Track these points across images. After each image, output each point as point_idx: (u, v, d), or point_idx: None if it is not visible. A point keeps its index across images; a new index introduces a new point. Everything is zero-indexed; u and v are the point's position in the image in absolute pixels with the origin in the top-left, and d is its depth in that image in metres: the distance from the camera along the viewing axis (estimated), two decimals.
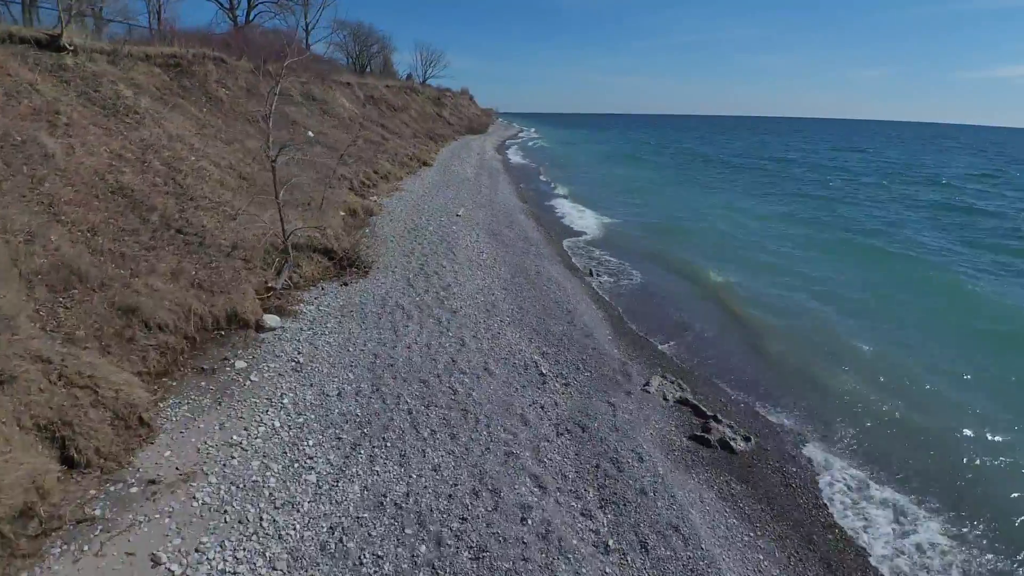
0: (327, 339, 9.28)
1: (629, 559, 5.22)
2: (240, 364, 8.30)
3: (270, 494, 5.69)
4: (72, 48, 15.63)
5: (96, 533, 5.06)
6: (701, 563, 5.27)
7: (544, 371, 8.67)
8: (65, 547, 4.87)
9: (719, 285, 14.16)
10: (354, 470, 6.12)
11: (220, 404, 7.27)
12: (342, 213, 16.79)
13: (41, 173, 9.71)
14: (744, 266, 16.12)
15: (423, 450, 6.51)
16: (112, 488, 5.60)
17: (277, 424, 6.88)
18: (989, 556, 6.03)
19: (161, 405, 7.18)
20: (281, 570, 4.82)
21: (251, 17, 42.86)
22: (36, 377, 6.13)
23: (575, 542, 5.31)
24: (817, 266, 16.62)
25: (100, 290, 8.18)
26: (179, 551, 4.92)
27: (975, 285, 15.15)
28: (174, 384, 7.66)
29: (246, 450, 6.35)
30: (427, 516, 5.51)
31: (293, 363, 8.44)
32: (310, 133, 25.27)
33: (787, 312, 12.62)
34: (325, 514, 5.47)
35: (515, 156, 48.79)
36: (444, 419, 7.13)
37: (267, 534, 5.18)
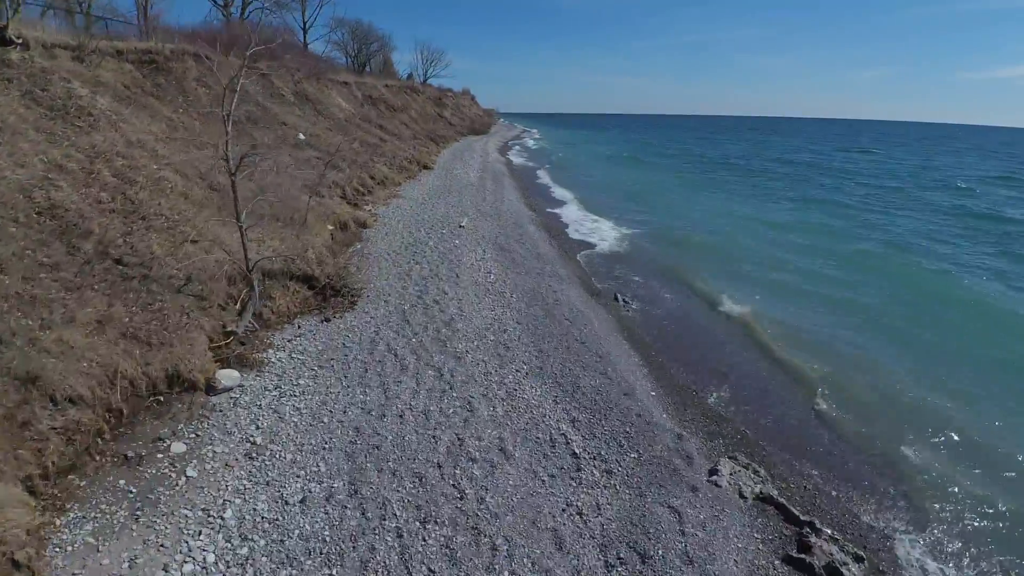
0: (297, 403, 7.15)
1: None
2: (177, 448, 6.18)
3: None
4: (20, 41, 13.49)
5: None
6: None
7: (577, 450, 6.55)
8: None
9: (749, 315, 11.88)
10: None
11: (138, 520, 5.15)
12: (330, 227, 14.65)
13: None
14: (771, 289, 13.88)
15: None
16: None
17: (211, 559, 4.76)
18: None
19: (57, 524, 5.08)
20: None
21: (246, 15, 40.78)
22: None
23: None
24: (849, 287, 14.43)
25: None
26: None
27: None
28: (82, 485, 5.55)
29: None
30: None
31: (248, 444, 6.32)
32: (301, 135, 23.12)
33: (831, 353, 10.35)
34: None
35: (519, 158, 46.63)
36: (447, 546, 5.00)
37: None
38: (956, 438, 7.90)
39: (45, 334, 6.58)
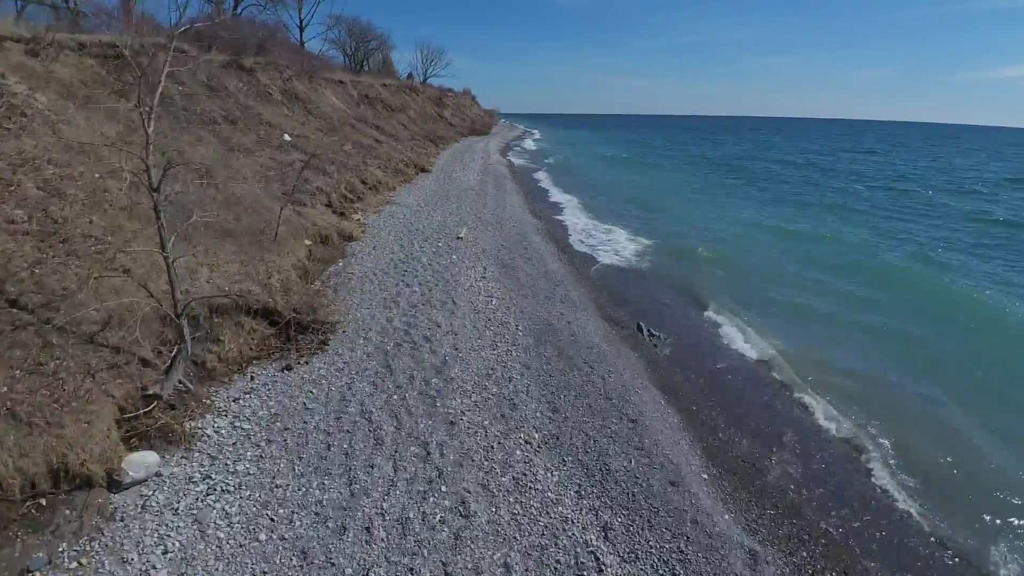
0: (228, 505, 5.17)
1: None
2: None
3: None
4: None
5: None
6: None
7: None
8: None
9: (785, 353, 9.61)
10: None
11: None
12: (308, 242, 12.67)
13: None
14: (801, 317, 11.67)
15: None
16: None
17: None
18: None
19: None
20: None
21: (239, 11, 38.79)
22: None
23: None
24: (883, 311, 12.24)
25: None
26: None
27: None
28: None
29: None
30: None
31: None
32: (286, 136, 21.13)
33: (886, 405, 8.20)
34: None
35: (520, 159, 44.61)
36: None
37: None
38: None
39: None
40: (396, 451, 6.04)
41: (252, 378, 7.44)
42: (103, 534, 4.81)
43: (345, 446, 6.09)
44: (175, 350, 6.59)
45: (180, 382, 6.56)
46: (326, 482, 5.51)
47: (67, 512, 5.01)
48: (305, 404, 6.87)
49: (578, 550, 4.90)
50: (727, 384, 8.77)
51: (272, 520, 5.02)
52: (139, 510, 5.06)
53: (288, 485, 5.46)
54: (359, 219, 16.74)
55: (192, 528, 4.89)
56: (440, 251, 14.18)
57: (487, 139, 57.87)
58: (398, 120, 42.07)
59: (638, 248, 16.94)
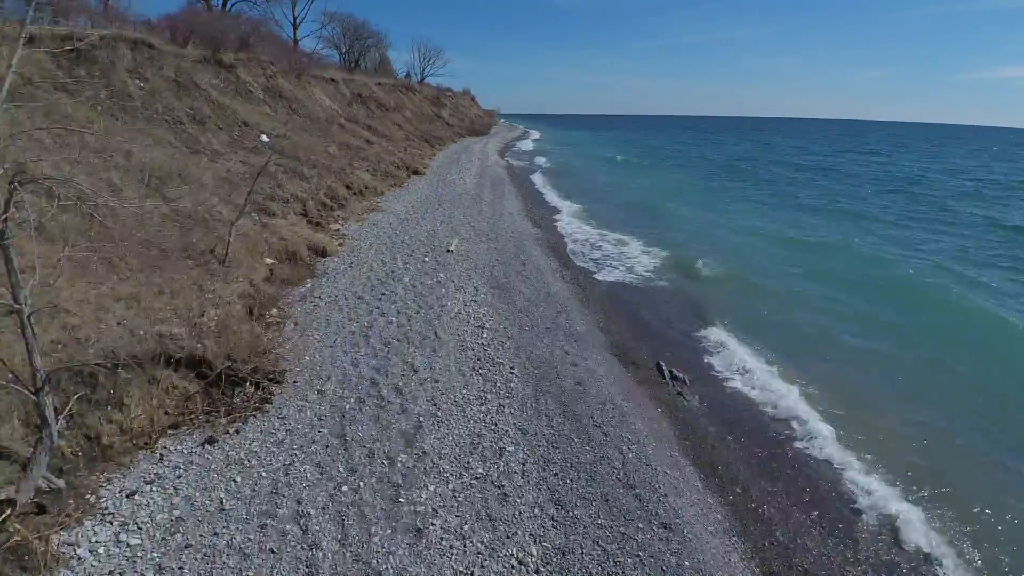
0: None
1: None
2: None
3: None
4: None
5: None
6: None
7: None
8: None
9: (823, 405, 7.79)
10: None
11: None
12: (269, 261, 10.82)
13: None
14: (828, 351, 9.68)
15: None
16: None
17: None
18: None
19: None
20: None
21: (228, 7, 36.95)
22: None
23: None
24: (924, 347, 10.11)
25: None
26: None
27: None
28: None
29: None
30: None
31: None
32: (264, 137, 19.28)
33: (962, 497, 6.40)
34: None
35: (520, 161, 42.74)
36: None
37: None
38: None
39: None
40: None
41: (161, 457, 5.60)
42: None
43: None
44: (37, 441, 4.73)
45: (45, 478, 4.72)
46: None
47: None
48: (222, 502, 5.02)
49: None
50: (771, 451, 6.91)
51: None
52: None
53: None
54: (338, 229, 14.89)
55: None
56: (426, 268, 12.34)
57: (486, 139, 56.03)
58: (392, 120, 40.24)
59: (645, 262, 14.98)
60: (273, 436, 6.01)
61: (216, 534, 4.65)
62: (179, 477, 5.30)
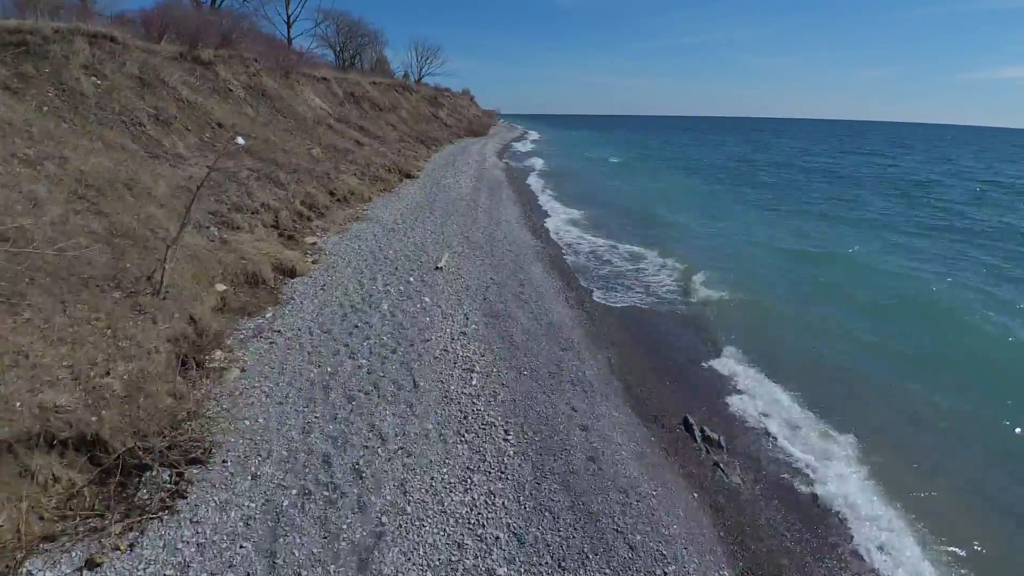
0: None
1: None
2: None
3: None
4: None
5: None
6: None
7: None
8: None
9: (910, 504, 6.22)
10: None
11: None
12: (220, 288, 9.13)
13: None
14: (874, 400, 8.01)
15: None
16: None
17: None
18: None
19: None
20: None
21: (217, 4, 35.28)
22: None
23: None
24: (970, 396, 8.23)
25: None
26: None
27: None
28: None
29: None
30: None
31: None
32: (239, 139, 17.61)
33: None
34: None
35: (518, 162, 41.06)
36: None
37: None
38: None
39: None
40: None
41: None
42: None
43: None
44: None
45: None
46: None
47: None
48: None
49: None
50: (837, 548, 5.25)
51: None
52: None
53: None
54: (315, 243, 13.22)
55: None
56: (410, 290, 10.67)
57: (484, 140, 54.39)
58: (386, 120, 38.60)
59: (659, 281, 13.22)
60: (178, 555, 4.34)
61: None
62: None
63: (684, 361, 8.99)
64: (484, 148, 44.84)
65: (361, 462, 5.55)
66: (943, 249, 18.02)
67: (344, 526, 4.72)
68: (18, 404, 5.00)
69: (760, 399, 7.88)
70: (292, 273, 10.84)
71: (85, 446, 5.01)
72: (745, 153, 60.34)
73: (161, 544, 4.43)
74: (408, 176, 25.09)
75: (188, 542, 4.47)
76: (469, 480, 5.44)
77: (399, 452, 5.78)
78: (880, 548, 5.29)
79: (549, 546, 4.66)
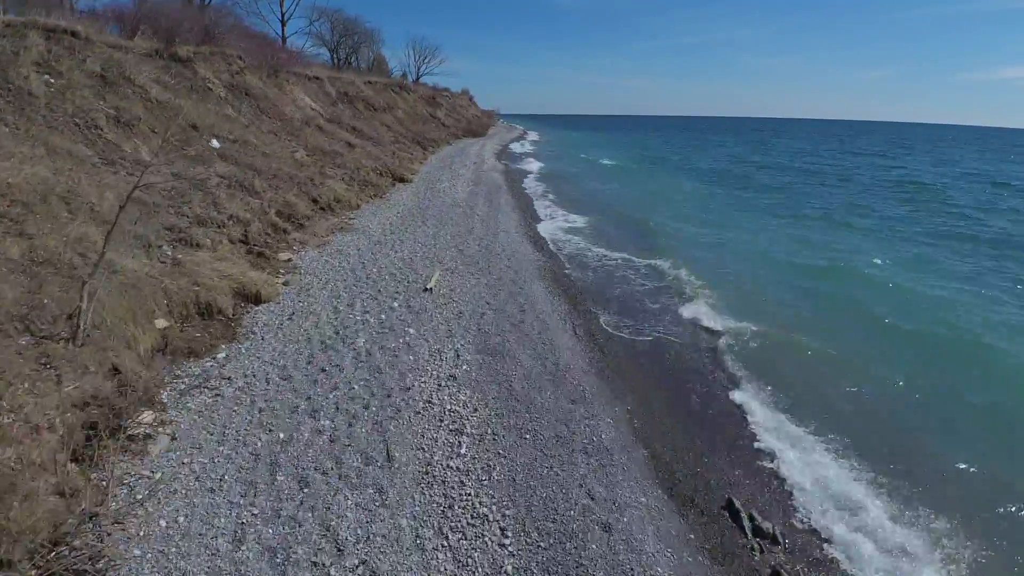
0: None
1: None
2: None
3: None
4: None
5: None
6: None
7: None
8: None
9: None
10: None
11: None
12: (161, 324, 7.61)
13: None
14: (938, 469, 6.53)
15: None
16: None
17: None
18: None
19: None
20: None
21: (207, 1, 33.74)
22: None
23: None
24: None
25: None
26: None
27: None
28: None
29: None
30: None
31: None
32: (214, 142, 16.10)
33: None
34: None
35: (518, 165, 39.53)
36: None
37: None
38: None
39: None
40: None
41: None
42: None
43: None
44: None
45: None
46: None
47: None
48: None
49: None
50: None
51: None
52: None
53: None
54: (289, 259, 11.70)
55: None
56: (393, 318, 9.17)
57: (483, 141, 52.90)
58: (381, 121, 37.07)
59: (670, 304, 11.59)
60: None
61: None
62: None
63: (713, 413, 7.45)
64: (483, 149, 43.35)
65: None
66: (964, 262, 16.35)
67: None
68: None
69: (804, 463, 6.38)
70: (257, 299, 9.32)
71: None
72: (746, 154, 58.62)
73: None
74: (401, 180, 23.59)
75: None
76: None
77: (356, 569, 4.27)
78: None
79: None
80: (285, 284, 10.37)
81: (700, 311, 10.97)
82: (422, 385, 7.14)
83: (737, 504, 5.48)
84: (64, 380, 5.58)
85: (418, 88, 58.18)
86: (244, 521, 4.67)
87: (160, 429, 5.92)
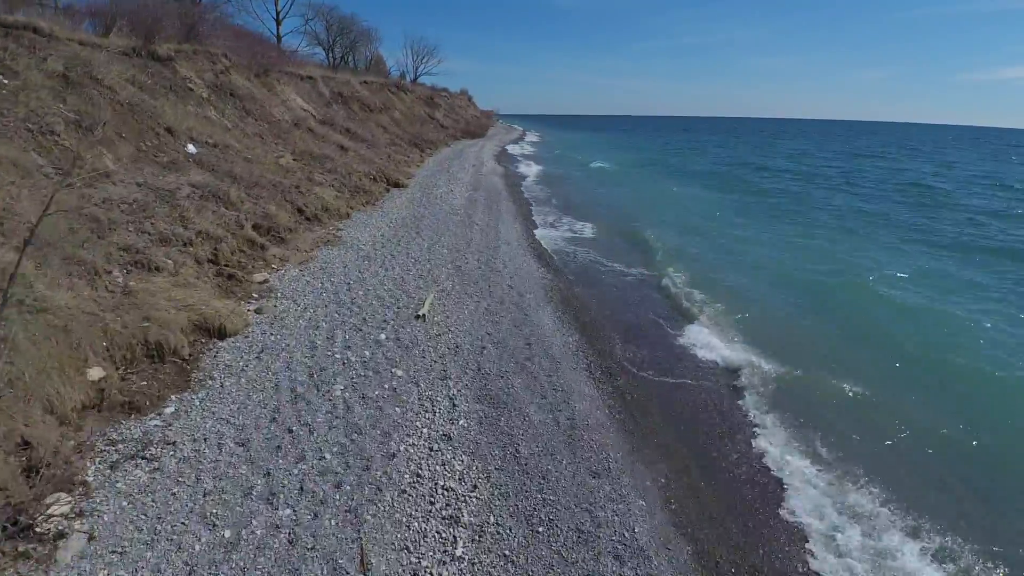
0: None
1: None
2: None
3: None
4: None
5: None
6: None
7: None
8: None
9: None
10: None
11: None
12: (96, 375, 6.29)
13: None
14: None
15: None
16: None
17: None
18: None
19: None
20: None
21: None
22: None
23: None
24: None
25: None
26: None
27: None
28: None
29: None
30: None
31: None
32: (190, 147, 14.82)
33: None
34: None
35: (518, 167, 38.25)
36: None
37: None
38: None
39: None
40: None
41: None
42: None
43: None
44: None
45: None
46: None
47: None
48: None
49: None
50: None
51: None
52: None
53: None
54: (265, 281, 10.42)
55: None
56: (378, 356, 7.90)
57: (482, 142, 51.65)
58: (377, 122, 35.82)
59: (698, 342, 9.88)
60: None
61: None
62: None
63: (762, 483, 6.16)
64: (482, 151, 42.10)
65: None
66: (990, 277, 15.00)
67: None
68: None
69: (873, 553, 5.13)
70: (221, 333, 8.04)
71: None
72: (748, 157, 57.07)
73: None
74: (396, 185, 22.33)
75: None
76: None
77: None
78: None
79: None
80: (257, 312, 9.09)
81: (726, 344, 9.66)
82: (409, 450, 5.86)
83: None
84: None
85: (416, 88, 56.96)
86: None
87: (76, 524, 4.65)
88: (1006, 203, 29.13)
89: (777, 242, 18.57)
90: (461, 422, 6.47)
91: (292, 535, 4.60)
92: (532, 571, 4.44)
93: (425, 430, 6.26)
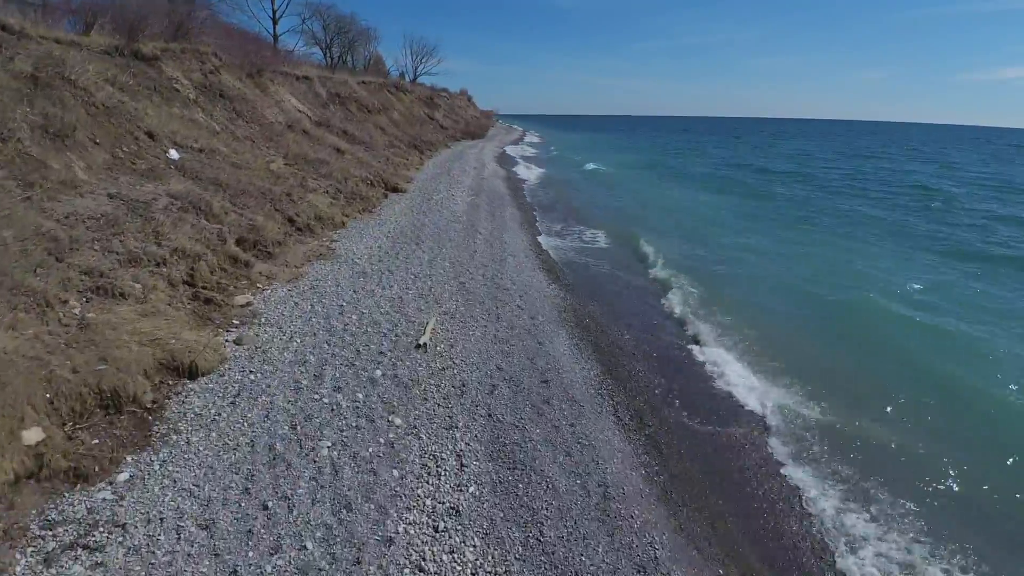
0: None
1: None
2: None
3: None
4: None
5: None
6: None
7: None
8: None
9: None
10: None
11: None
12: (34, 438, 5.21)
13: None
14: None
15: None
16: None
17: None
18: None
19: None
20: None
21: None
22: None
23: None
24: None
25: None
26: None
27: None
28: None
29: None
30: None
31: None
32: (173, 152, 13.76)
33: None
34: None
35: (520, 169, 37.17)
36: None
37: None
38: None
39: None
40: None
41: None
42: None
43: None
44: None
45: None
46: None
47: None
48: None
49: None
50: None
51: None
52: None
53: None
54: (248, 303, 9.36)
55: None
56: (373, 398, 6.85)
57: (482, 143, 50.62)
58: (375, 123, 34.76)
59: (738, 381, 8.61)
60: None
61: None
62: None
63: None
64: (482, 153, 41.06)
65: None
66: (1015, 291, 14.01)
67: None
68: None
69: None
70: (192, 372, 6.98)
71: None
72: (749, 158, 55.99)
73: None
74: (395, 190, 21.28)
75: None
76: None
77: None
78: None
79: None
80: (236, 342, 8.04)
81: (760, 382, 8.59)
82: (410, 531, 4.83)
83: None
84: None
85: (415, 88, 55.92)
86: None
87: None
88: (1018, 208, 28.11)
89: (787, 252, 17.51)
90: (471, 488, 5.44)
91: None
92: None
93: (428, 501, 5.22)
